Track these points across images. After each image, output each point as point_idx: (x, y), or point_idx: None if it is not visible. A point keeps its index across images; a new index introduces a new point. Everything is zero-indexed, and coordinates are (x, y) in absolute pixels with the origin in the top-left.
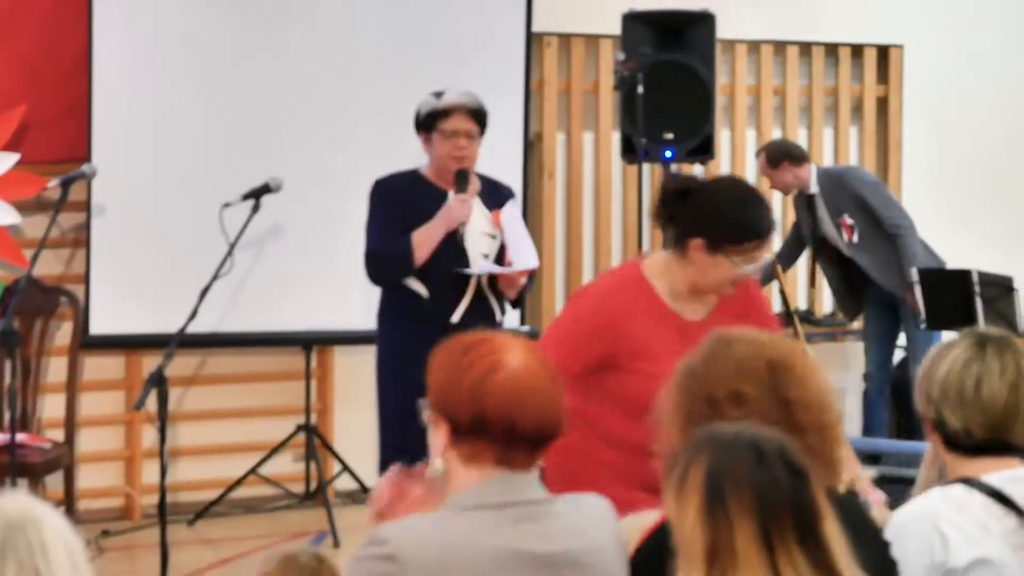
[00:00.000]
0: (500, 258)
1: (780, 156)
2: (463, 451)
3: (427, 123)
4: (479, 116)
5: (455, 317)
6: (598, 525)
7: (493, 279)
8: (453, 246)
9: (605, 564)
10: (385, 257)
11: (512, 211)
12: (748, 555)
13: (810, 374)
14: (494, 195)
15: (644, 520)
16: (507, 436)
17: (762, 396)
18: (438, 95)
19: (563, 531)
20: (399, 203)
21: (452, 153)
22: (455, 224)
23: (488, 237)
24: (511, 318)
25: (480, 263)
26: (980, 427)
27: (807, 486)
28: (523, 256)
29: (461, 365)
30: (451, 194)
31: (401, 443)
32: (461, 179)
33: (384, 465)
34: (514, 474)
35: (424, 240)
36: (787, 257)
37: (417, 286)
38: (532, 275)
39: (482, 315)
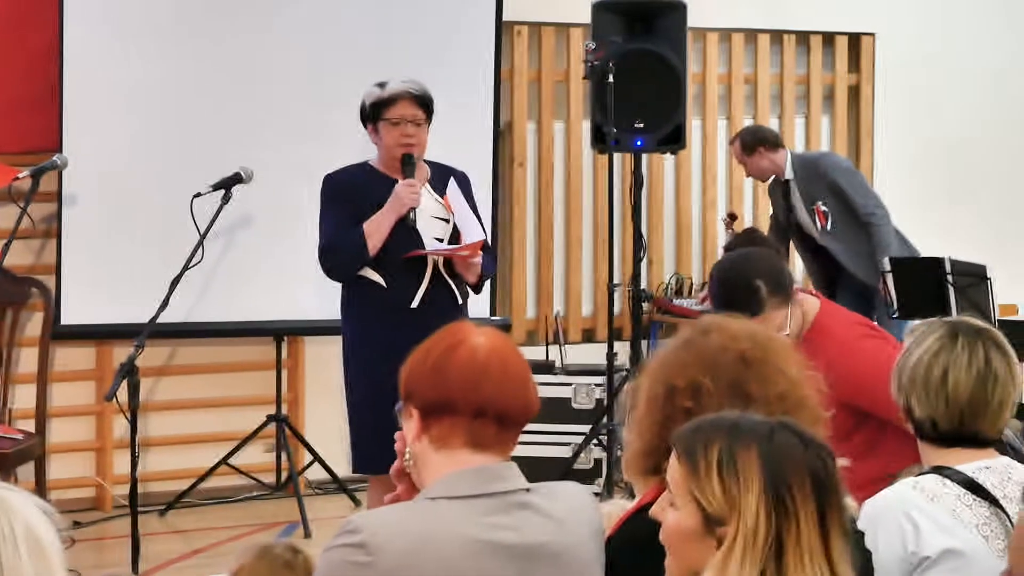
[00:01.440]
0: (455, 242)
1: (755, 142)
2: (433, 435)
3: (372, 113)
4: (424, 102)
5: (414, 303)
6: (575, 515)
7: (450, 263)
8: (406, 232)
9: (580, 555)
10: (339, 250)
11: (454, 189)
12: (812, 542)
13: (781, 371)
14: (445, 180)
15: (615, 509)
16: (474, 411)
17: (720, 390)
18: (381, 85)
19: (538, 522)
20: (351, 197)
21: (400, 141)
22: (404, 210)
23: (440, 221)
24: (481, 308)
25: (431, 245)
26: (945, 418)
27: (836, 467)
28: (470, 233)
29: (425, 348)
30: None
31: (372, 436)
32: (407, 164)
33: (356, 459)
34: (489, 464)
35: (375, 229)
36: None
37: (374, 276)
38: (494, 259)
39: (442, 300)
